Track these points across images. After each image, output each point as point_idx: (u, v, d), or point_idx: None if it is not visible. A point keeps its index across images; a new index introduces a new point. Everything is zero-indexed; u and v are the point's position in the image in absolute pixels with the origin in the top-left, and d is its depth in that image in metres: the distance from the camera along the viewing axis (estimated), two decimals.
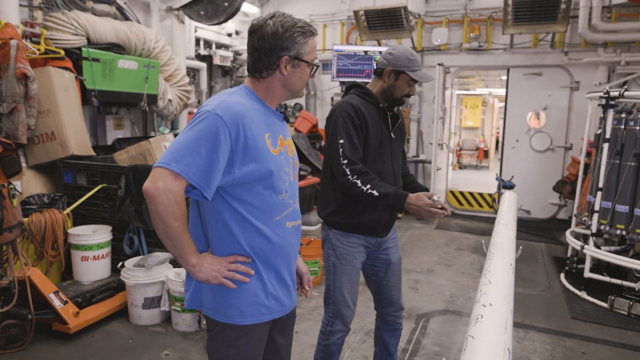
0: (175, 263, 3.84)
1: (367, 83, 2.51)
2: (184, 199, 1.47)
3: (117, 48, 4.93)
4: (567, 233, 5.20)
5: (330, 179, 2.40)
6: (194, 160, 1.43)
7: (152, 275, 3.61)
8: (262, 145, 1.55)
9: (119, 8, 5.45)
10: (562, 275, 5.00)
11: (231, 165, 1.50)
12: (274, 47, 1.57)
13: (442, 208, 2.18)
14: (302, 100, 8.43)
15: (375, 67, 2.49)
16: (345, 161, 2.24)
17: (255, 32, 1.59)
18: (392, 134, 2.45)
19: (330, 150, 2.33)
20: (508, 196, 3.07)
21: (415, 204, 2.17)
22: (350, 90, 2.48)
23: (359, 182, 2.21)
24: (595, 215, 4.52)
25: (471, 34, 7.33)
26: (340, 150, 2.26)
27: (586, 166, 5.40)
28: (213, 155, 1.45)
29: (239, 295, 1.59)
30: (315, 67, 1.68)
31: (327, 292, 2.50)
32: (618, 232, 4.38)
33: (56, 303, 3.30)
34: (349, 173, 2.23)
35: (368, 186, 2.19)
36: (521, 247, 2.63)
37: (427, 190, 2.57)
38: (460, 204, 8.26)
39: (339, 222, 2.43)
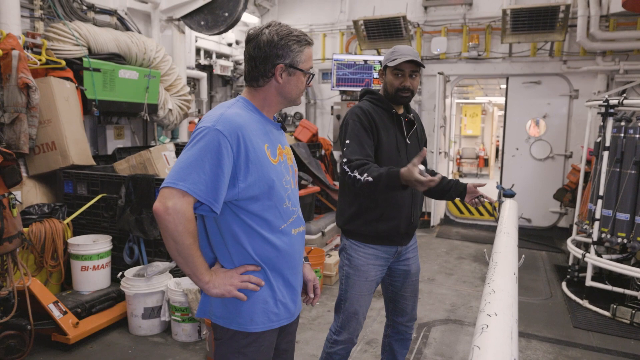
0: (175, 273, 3.83)
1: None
2: (193, 216, 1.48)
3: (117, 58, 4.94)
4: (568, 241, 5.19)
5: (346, 186, 2.40)
6: (200, 177, 1.45)
7: (152, 285, 3.60)
8: (262, 156, 1.57)
9: (120, 18, 5.48)
10: (564, 284, 4.98)
11: (235, 179, 1.52)
12: (269, 55, 1.59)
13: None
14: (302, 109, 8.45)
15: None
16: (344, 160, 2.23)
17: (252, 40, 1.61)
18: (407, 140, 2.43)
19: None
20: (509, 204, 3.07)
21: (407, 178, 1.97)
22: (363, 97, 2.49)
23: (357, 174, 2.14)
24: (596, 224, 4.51)
25: (470, 43, 7.37)
26: (344, 150, 2.27)
27: (586, 174, 5.40)
28: (217, 169, 1.47)
29: (249, 302, 1.60)
30: (310, 76, 1.69)
31: (339, 302, 2.49)
32: (619, 240, 4.37)
33: (55, 313, 3.28)
34: (348, 170, 2.18)
35: (365, 175, 2.11)
36: (523, 256, 2.61)
37: (465, 185, 2.52)
38: (461, 212, 8.25)
39: (356, 232, 2.41)
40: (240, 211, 1.57)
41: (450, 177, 9.89)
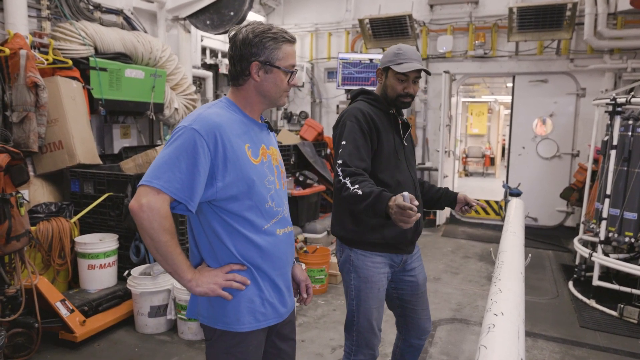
0: None
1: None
2: (170, 214, 1.48)
3: (124, 57, 4.96)
4: (575, 240, 5.16)
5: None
6: (175, 175, 1.46)
7: (158, 284, 3.62)
8: (242, 156, 1.56)
9: (126, 18, 5.50)
10: (571, 283, 4.95)
11: (213, 178, 1.52)
12: (245, 54, 1.59)
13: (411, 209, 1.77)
14: (307, 108, 8.45)
15: None
16: (340, 161, 2.06)
17: (231, 40, 1.62)
18: (404, 142, 2.32)
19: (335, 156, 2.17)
20: (515, 204, 3.06)
21: (392, 203, 1.82)
22: (358, 97, 2.33)
23: (348, 182, 1.98)
24: (603, 223, 4.48)
25: (476, 42, 7.34)
26: (339, 151, 2.10)
27: (593, 173, 5.37)
28: (193, 168, 1.47)
29: (235, 302, 1.60)
30: (290, 74, 1.65)
31: (350, 319, 2.29)
32: (627, 239, 4.34)
33: (63, 312, 3.30)
34: (340, 174, 2.02)
35: (356, 186, 1.95)
36: (530, 255, 2.60)
37: (455, 195, 2.43)
38: None
39: (361, 240, 2.22)
40: (220, 210, 1.57)
41: (456, 176, 9.74)
